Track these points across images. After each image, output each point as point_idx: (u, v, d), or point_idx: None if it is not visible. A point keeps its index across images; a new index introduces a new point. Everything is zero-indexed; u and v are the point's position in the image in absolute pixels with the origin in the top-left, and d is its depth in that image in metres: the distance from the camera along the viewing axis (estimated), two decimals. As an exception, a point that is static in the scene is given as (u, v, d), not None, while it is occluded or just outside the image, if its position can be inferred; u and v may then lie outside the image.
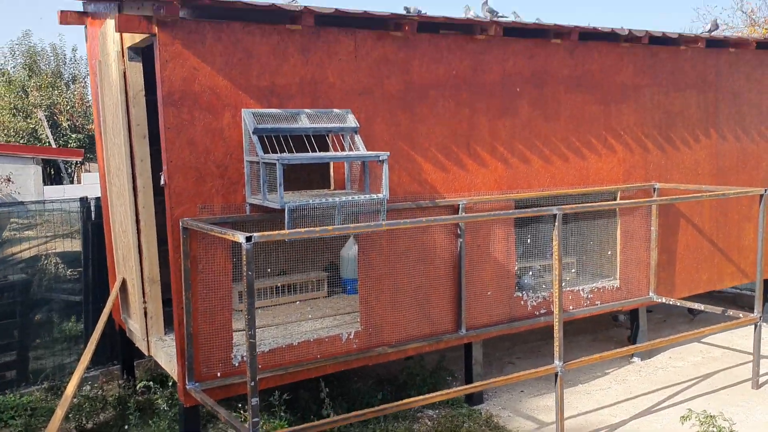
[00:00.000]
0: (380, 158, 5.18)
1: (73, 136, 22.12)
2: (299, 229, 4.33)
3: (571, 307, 6.83)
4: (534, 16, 8.50)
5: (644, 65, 7.21)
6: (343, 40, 5.48)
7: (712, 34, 7.73)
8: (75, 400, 6.05)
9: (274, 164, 4.77)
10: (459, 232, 6.08)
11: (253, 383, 4.01)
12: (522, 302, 6.55)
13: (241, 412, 5.52)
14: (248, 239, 3.97)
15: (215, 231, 4.38)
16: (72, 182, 18.41)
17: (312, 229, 4.34)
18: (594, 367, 7.29)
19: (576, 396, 6.54)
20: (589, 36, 6.73)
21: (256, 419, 4.05)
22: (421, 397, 4.93)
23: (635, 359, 7.49)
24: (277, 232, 4.22)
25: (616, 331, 8.44)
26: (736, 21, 26.52)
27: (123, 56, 5.53)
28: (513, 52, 6.33)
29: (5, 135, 21.51)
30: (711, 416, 5.35)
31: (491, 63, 6.21)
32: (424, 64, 5.87)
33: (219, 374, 5.02)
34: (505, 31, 6.17)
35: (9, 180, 14.02)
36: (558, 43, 6.57)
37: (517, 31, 6.32)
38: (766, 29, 25.31)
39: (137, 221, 5.67)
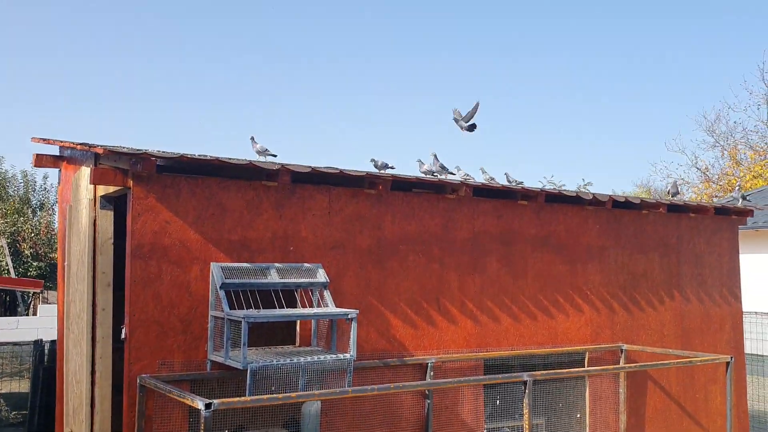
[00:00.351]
0: (349, 316, 5.11)
1: (35, 264, 21.68)
2: (261, 396, 4.17)
3: (540, 473, 6.57)
4: (500, 173, 8.82)
5: (608, 227, 7.41)
6: (317, 197, 5.57)
7: (673, 199, 8.05)
8: None
9: (240, 321, 4.66)
10: (427, 392, 5.92)
11: None
12: (490, 467, 6.30)
13: None
14: (208, 406, 3.79)
15: (174, 394, 4.19)
16: (27, 313, 17.81)
17: (274, 396, 4.18)
18: None
19: None
20: (555, 198, 6.95)
21: None
22: None
23: None
24: (237, 399, 4.06)
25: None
26: (692, 177, 27.89)
27: (95, 204, 5.51)
28: (482, 211, 6.48)
29: (-37, 261, 21.00)
30: None
31: (461, 221, 6.33)
32: (396, 220, 5.95)
33: None
34: (474, 191, 6.35)
35: (-39, 310, 13.52)
36: (525, 204, 6.76)
37: (486, 192, 6.50)
38: (719, 186, 26.62)
39: (93, 372, 5.42)
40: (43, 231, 22.87)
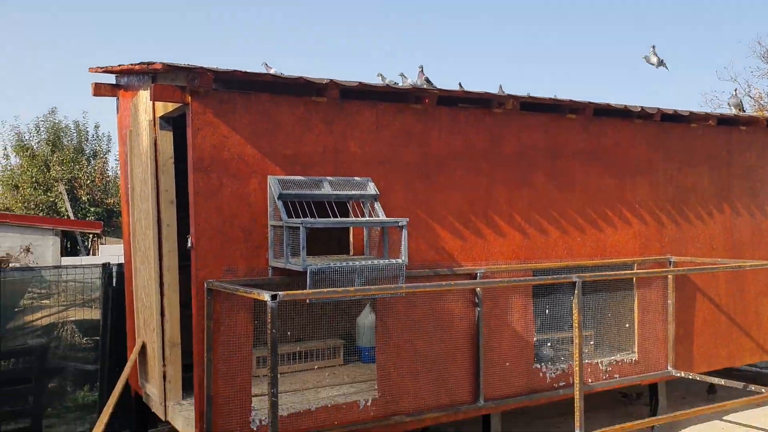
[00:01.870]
0: (399, 224, 5.29)
1: (92, 209, 22.51)
2: (322, 290, 4.41)
3: (589, 380, 6.76)
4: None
5: (657, 141, 7.39)
6: (364, 112, 5.70)
7: (732, 111, 7.95)
8: (87, 467, 5.99)
9: (297, 228, 4.89)
10: (477, 300, 6.12)
11: (274, 443, 3.99)
12: (541, 374, 6.51)
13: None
14: (274, 297, 4.04)
15: (241, 291, 4.46)
16: (88, 255, 18.61)
17: (334, 289, 4.42)
18: (614, 443, 7.13)
19: (596, 472, 6.38)
20: (603, 112, 6.95)
21: (276, 481, 4.01)
22: (440, 464, 4.86)
23: (655, 436, 7.34)
24: (301, 291, 4.30)
25: (635, 409, 8.28)
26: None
27: (155, 125, 5.76)
28: (529, 125, 6.53)
29: (26, 208, 21.92)
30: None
31: (508, 135, 6.41)
32: (442, 135, 6.06)
33: (237, 438, 4.99)
34: (521, 106, 6.39)
35: (28, 250, 14.23)
36: (573, 118, 6.78)
37: (534, 106, 6.54)
38: (773, 113, 25.76)
39: (161, 284, 5.76)
40: (98, 178, 23.63)
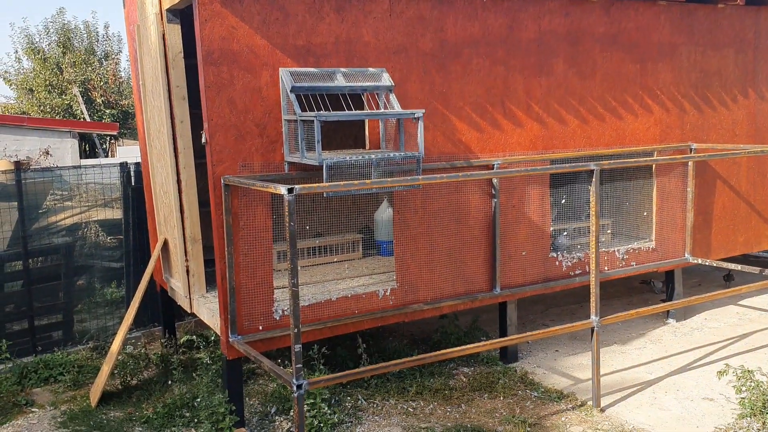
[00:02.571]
0: (415, 115, 5.21)
1: (107, 111, 22.46)
2: (338, 183, 4.41)
3: (606, 268, 6.83)
4: None
5: (681, 23, 7.11)
6: (378, -1, 5.50)
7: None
8: (119, 357, 6.25)
9: (312, 122, 4.83)
10: (493, 192, 6.11)
11: (296, 330, 4.11)
12: (557, 263, 6.57)
13: (283, 365, 5.65)
14: (290, 191, 4.05)
15: (258, 185, 4.48)
16: (107, 157, 18.73)
17: (350, 182, 4.41)
18: (629, 328, 7.31)
19: (611, 355, 6.57)
20: (625, -7, 6.66)
21: (299, 365, 4.16)
22: (458, 348, 4.99)
23: (670, 320, 7.49)
24: (317, 184, 4.30)
25: (652, 296, 8.41)
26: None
27: (162, 18, 5.61)
28: (548, 9, 6.29)
29: (41, 111, 21.92)
30: (749, 371, 5.35)
31: (526, 21, 6.18)
32: (458, 21, 5.86)
33: (261, 327, 5.15)
34: (540, -11, 6.13)
35: (47, 153, 14.33)
36: (594, 1, 6.51)
37: (552, -11, 6.27)
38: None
39: (178, 181, 5.79)
40: (111, 79, 23.43)
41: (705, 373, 6.04)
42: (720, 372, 5.52)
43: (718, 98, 7.48)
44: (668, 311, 7.55)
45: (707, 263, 7.34)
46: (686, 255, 7.37)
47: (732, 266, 7.24)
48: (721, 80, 7.47)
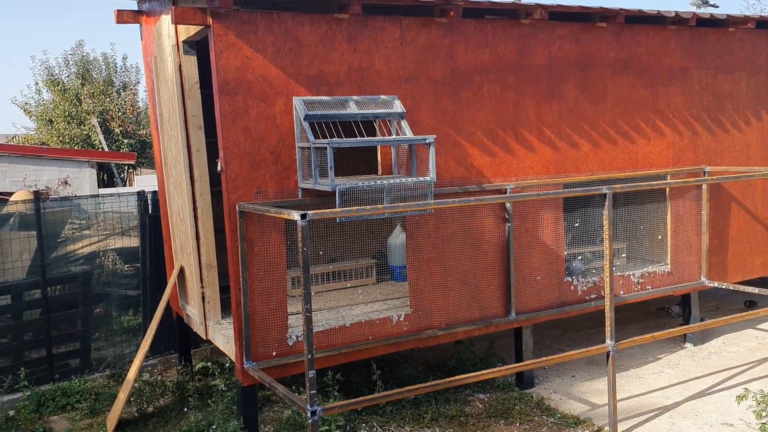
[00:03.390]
0: (427, 141, 5.27)
1: (125, 141, 22.74)
2: (351, 208, 4.45)
3: (621, 292, 6.80)
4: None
5: (692, 47, 7.14)
6: (389, 28, 5.59)
7: (762, 14, 7.59)
8: (136, 385, 6.29)
9: (325, 148, 4.90)
10: (507, 216, 6.12)
11: (310, 356, 4.13)
12: (572, 287, 6.56)
13: (297, 392, 5.66)
14: (303, 216, 4.10)
15: (272, 212, 4.53)
16: (124, 186, 18.95)
17: (363, 207, 4.46)
18: (645, 353, 7.24)
19: (627, 380, 6.51)
20: (635, 19, 6.71)
21: (313, 391, 4.17)
22: (472, 373, 4.99)
23: (688, 345, 7.41)
24: (329, 210, 4.35)
25: (669, 321, 8.34)
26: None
27: (178, 50, 5.74)
28: (558, 36, 6.36)
29: (61, 141, 22.25)
30: (768, 395, 5.28)
31: (537, 47, 6.25)
32: (469, 49, 5.94)
33: (274, 353, 5.17)
34: (550, 15, 6.20)
35: (66, 183, 14.52)
36: (603, 27, 6.57)
37: (563, 15, 6.34)
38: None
39: (195, 209, 5.87)
40: (129, 109, 23.76)
41: (724, 398, 5.97)
42: (739, 396, 5.45)
43: (731, 121, 7.48)
44: (685, 336, 7.48)
45: (723, 286, 7.29)
46: (702, 278, 7.32)
47: (749, 289, 7.17)
48: (734, 103, 7.48)
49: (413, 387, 4.71)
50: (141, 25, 6.98)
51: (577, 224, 6.99)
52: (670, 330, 6.08)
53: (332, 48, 5.36)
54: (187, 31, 5.46)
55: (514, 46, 6.15)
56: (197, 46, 5.77)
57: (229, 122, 4.99)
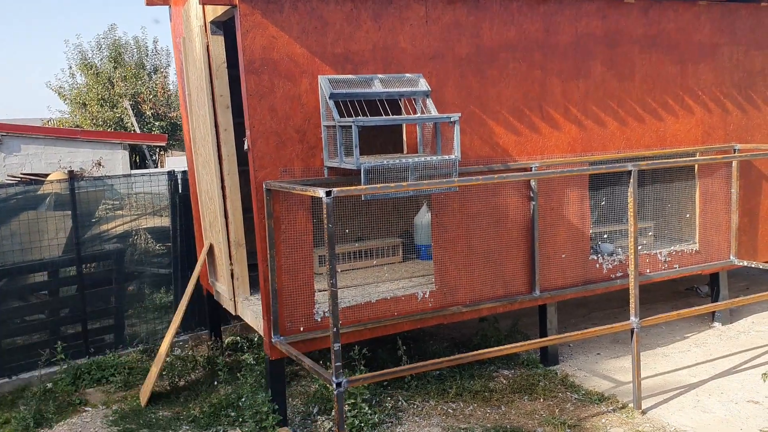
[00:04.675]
0: (452, 119, 5.29)
1: (157, 123, 23.07)
2: (375, 185, 4.51)
3: (648, 270, 6.78)
4: None
5: (722, 23, 7.03)
6: (414, 6, 5.61)
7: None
8: (167, 359, 6.46)
9: (350, 127, 4.95)
10: (532, 194, 6.13)
11: (335, 329, 4.22)
12: (597, 265, 6.55)
13: (324, 366, 5.77)
14: (328, 194, 4.18)
15: (297, 189, 4.61)
16: (156, 167, 19.24)
17: (387, 185, 4.52)
18: (673, 332, 7.22)
19: (654, 358, 6.51)
20: (664, -6, 6.63)
21: (338, 363, 4.27)
22: (496, 348, 5.04)
23: (716, 324, 7.37)
24: (354, 187, 4.41)
25: (697, 300, 8.29)
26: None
27: (206, 31, 5.82)
28: (585, 12, 6.31)
29: (94, 124, 22.65)
30: (795, 373, 5.26)
31: (563, 24, 6.21)
32: (494, 26, 5.93)
33: (302, 329, 5.28)
34: (576, -8, 6.15)
35: (99, 164, 14.82)
36: (632, 3, 6.50)
37: (589, -8, 6.29)
38: None
39: (223, 187, 5.98)
40: (160, 92, 24.07)
41: (750, 376, 5.94)
42: (765, 374, 5.43)
43: (763, 98, 7.36)
44: (713, 314, 7.43)
45: (753, 265, 7.21)
46: (731, 257, 7.25)
47: (779, 268, 7.09)
48: (766, 79, 7.36)
49: (437, 360, 4.78)
50: (170, 6, 7.08)
51: (603, 203, 6.96)
52: (697, 308, 6.06)
53: (357, 26, 5.40)
54: (215, 11, 5.54)
55: (540, 23, 6.12)
56: (224, 27, 5.84)
57: (255, 101, 5.07)
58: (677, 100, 6.85)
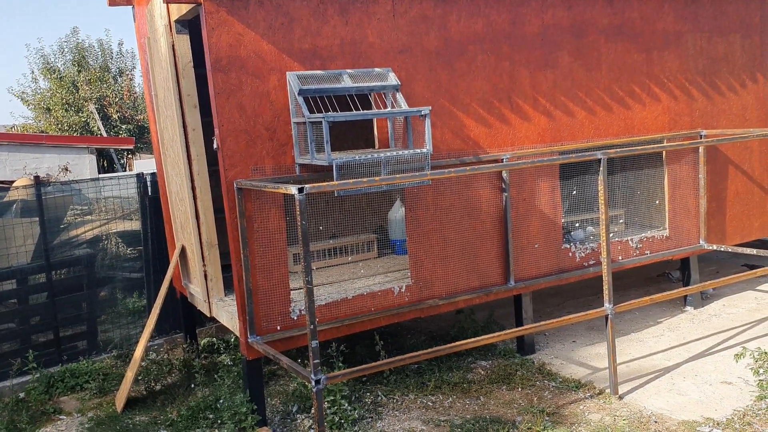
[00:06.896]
0: (422, 113, 5.29)
1: (123, 126, 22.76)
2: (347, 181, 4.49)
3: (620, 257, 6.85)
4: None
5: (685, 10, 7.12)
6: (380, 0, 5.59)
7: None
8: (143, 364, 6.38)
9: (321, 123, 4.92)
10: (504, 185, 6.16)
11: (312, 326, 4.20)
12: (570, 254, 6.61)
13: (302, 365, 5.74)
14: (300, 190, 4.14)
15: (269, 187, 4.57)
16: (124, 171, 18.99)
17: (360, 180, 4.50)
18: (646, 317, 7.32)
19: (628, 344, 6.59)
20: (628, -16, 6.69)
21: (316, 360, 4.24)
22: (473, 339, 5.05)
23: (688, 308, 7.48)
24: (327, 183, 4.39)
25: (669, 286, 8.40)
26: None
27: (171, 30, 5.74)
28: (551, 3, 6.34)
29: (59, 129, 22.27)
30: (766, 353, 5.35)
31: (530, 15, 6.24)
32: (461, 19, 5.94)
33: (278, 327, 5.24)
34: (541, -17, 6.19)
35: (67, 169, 14.57)
36: (596, -7, 6.55)
37: (554, -17, 6.32)
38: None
39: (193, 188, 5.91)
40: (126, 95, 23.75)
41: (723, 358, 6.04)
42: (737, 355, 5.52)
43: (727, 84, 7.48)
44: (685, 299, 7.55)
45: (722, 249, 7.33)
46: (701, 242, 7.37)
47: (748, 251, 7.21)
48: (729, 66, 7.48)
49: (415, 354, 4.78)
50: (134, 6, 6.97)
51: (574, 192, 7.03)
52: (669, 292, 6.13)
53: (324, 21, 5.37)
54: (179, 10, 5.46)
55: (507, 15, 6.15)
56: (190, 25, 5.77)
57: (223, 99, 5.01)
58: (644, 88, 6.93)
